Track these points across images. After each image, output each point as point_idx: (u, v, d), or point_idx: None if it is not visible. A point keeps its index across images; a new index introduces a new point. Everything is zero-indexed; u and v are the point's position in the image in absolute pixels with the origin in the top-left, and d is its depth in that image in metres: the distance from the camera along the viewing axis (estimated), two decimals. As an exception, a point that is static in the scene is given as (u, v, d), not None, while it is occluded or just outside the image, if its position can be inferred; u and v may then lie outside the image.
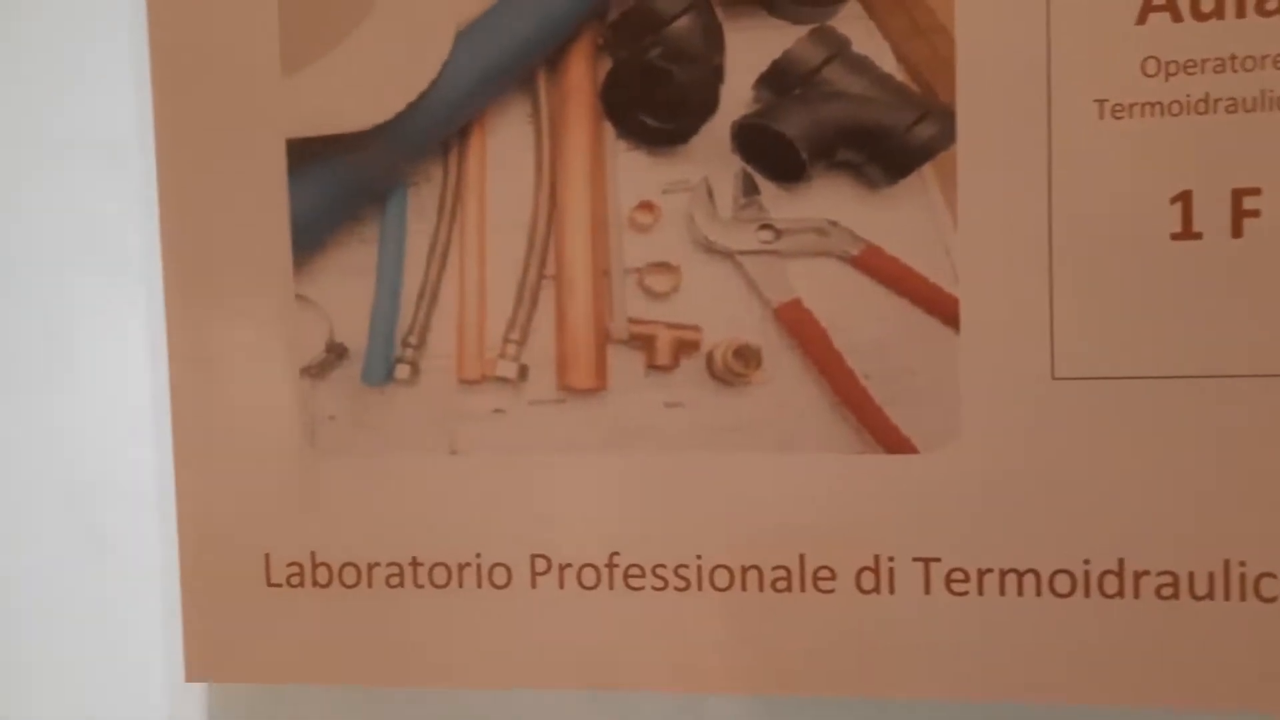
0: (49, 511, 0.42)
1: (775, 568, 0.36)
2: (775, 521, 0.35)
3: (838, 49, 0.34)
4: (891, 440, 0.35)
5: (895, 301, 0.34)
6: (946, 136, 0.34)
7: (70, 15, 0.41)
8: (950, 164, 0.34)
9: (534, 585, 0.37)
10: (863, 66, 0.34)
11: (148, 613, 0.41)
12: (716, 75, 0.35)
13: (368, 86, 0.37)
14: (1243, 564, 0.33)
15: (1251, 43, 0.32)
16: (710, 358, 0.35)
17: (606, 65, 0.36)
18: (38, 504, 0.42)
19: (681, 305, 0.36)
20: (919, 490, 0.35)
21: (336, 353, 0.37)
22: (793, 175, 0.35)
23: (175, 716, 0.41)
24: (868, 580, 0.35)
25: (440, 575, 0.37)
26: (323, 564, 0.38)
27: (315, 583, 0.38)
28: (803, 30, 0.34)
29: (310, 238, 0.37)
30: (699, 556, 0.36)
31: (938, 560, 0.35)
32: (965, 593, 0.35)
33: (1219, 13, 0.32)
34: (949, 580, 0.35)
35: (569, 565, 0.37)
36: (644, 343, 0.36)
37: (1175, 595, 0.34)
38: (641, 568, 0.36)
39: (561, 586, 0.37)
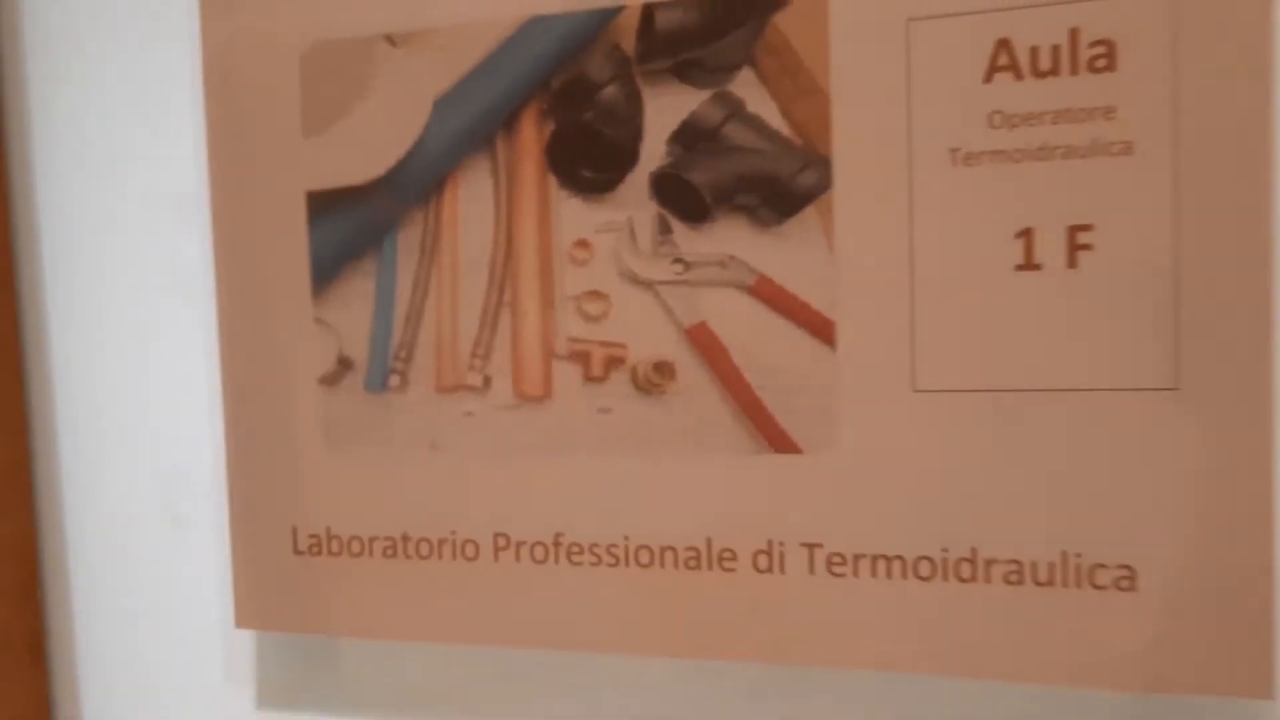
0: (139, 494, 0.52)
1: (687, 548, 0.42)
2: (688, 510, 0.42)
3: (735, 109, 0.40)
4: (781, 442, 0.41)
5: (784, 324, 0.40)
6: (824, 182, 0.40)
7: (145, 89, 0.51)
8: (829, 205, 0.40)
9: (496, 558, 0.44)
10: (755, 124, 0.40)
11: (211, 574, 0.51)
12: (637, 134, 0.42)
13: (367, 147, 0.45)
14: (1079, 555, 0.38)
15: (1084, 96, 0.37)
16: (634, 371, 0.42)
17: (551, 126, 0.43)
18: (130, 487, 0.52)
19: (611, 326, 0.42)
20: (804, 485, 0.40)
21: (345, 365, 0.46)
22: (699, 216, 0.41)
23: (230, 656, 0.51)
24: (763, 561, 0.41)
25: (424, 548, 0.45)
26: (335, 537, 0.47)
27: (330, 552, 0.47)
28: (706, 94, 0.41)
29: (325, 271, 0.46)
30: (626, 538, 0.43)
31: (820, 545, 0.40)
32: (843, 574, 0.40)
33: (1055, 70, 0.37)
34: (830, 563, 0.40)
35: (524, 542, 0.44)
36: (581, 358, 0.43)
37: (1020, 581, 0.38)
38: (581, 545, 0.43)
39: (518, 560, 0.44)
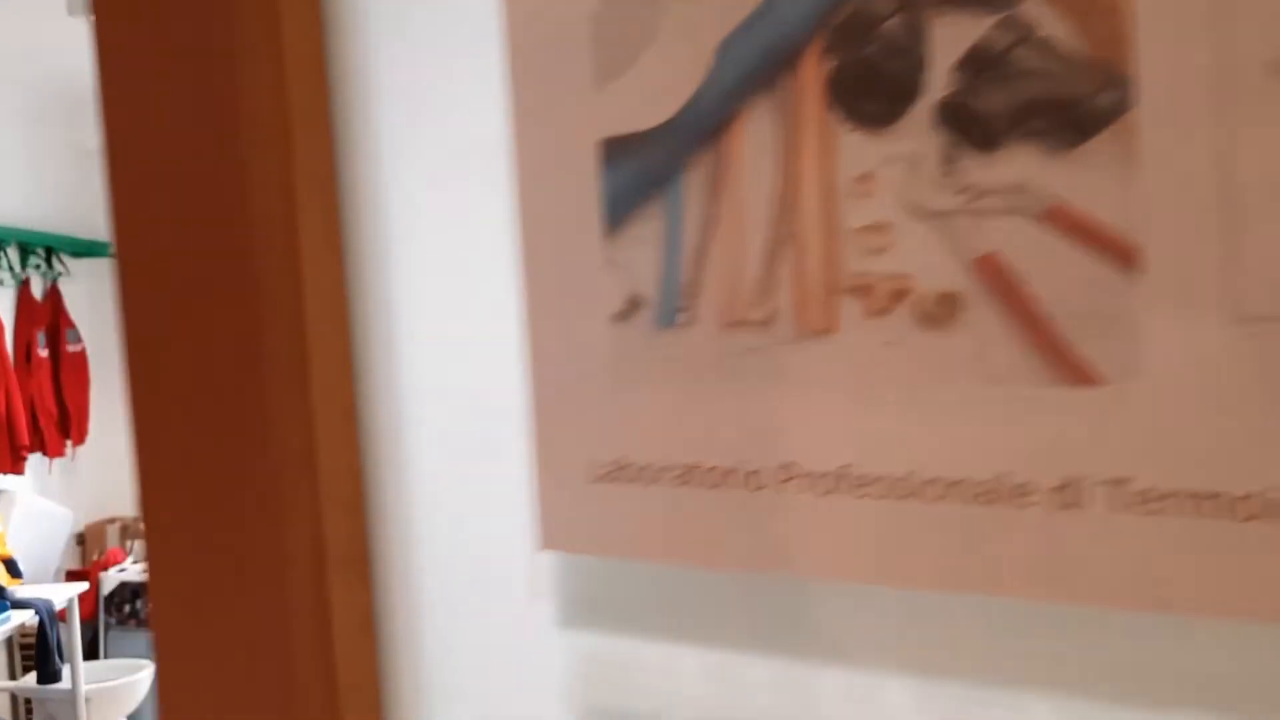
0: (455, 423, 0.57)
1: (979, 483, 0.42)
2: (979, 444, 0.42)
3: (1024, 33, 0.39)
4: (1078, 374, 0.40)
5: (1080, 251, 0.39)
6: (1125, 102, 0.38)
7: (456, 51, 0.54)
8: (1131, 127, 0.38)
9: (783, 488, 0.46)
10: (1046, 47, 0.39)
11: (516, 498, 0.55)
12: (921, 65, 0.41)
13: (655, 93, 0.47)
14: None
15: None
16: (920, 303, 0.42)
17: (832, 62, 0.43)
18: (447, 417, 0.57)
19: (896, 259, 0.43)
20: (1107, 419, 0.39)
21: (635, 304, 0.48)
22: (987, 145, 0.40)
23: (532, 578, 0.55)
24: (1061, 497, 0.40)
25: (713, 477, 0.47)
26: (627, 466, 0.49)
27: (623, 480, 0.49)
28: (992, 19, 0.40)
29: (615, 215, 0.48)
30: (914, 471, 0.43)
31: (1126, 481, 0.39)
32: (1152, 511, 0.39)
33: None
34: (1137, 499, 0.39)
35: (810, 474, 0.45)
36: (865, 292, 0.43)
37: (1348, 520, 0.36)
38: (868, 478, 0.44)
39: (804, 491, 0.45)
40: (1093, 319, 0.39)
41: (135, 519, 4.78)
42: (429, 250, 0.57)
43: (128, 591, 4.42)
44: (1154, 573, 0.39)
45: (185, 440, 0.58)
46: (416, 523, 0.59)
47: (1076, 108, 0.39)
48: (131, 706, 4.11)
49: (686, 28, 0.46)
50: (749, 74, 0.45)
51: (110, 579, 4.42)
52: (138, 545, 4.61)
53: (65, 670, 3.84)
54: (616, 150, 0.48)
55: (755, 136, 0.45)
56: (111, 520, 4.80)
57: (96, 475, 4.87)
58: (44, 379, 4.50)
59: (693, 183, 0.47)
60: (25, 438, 4.30)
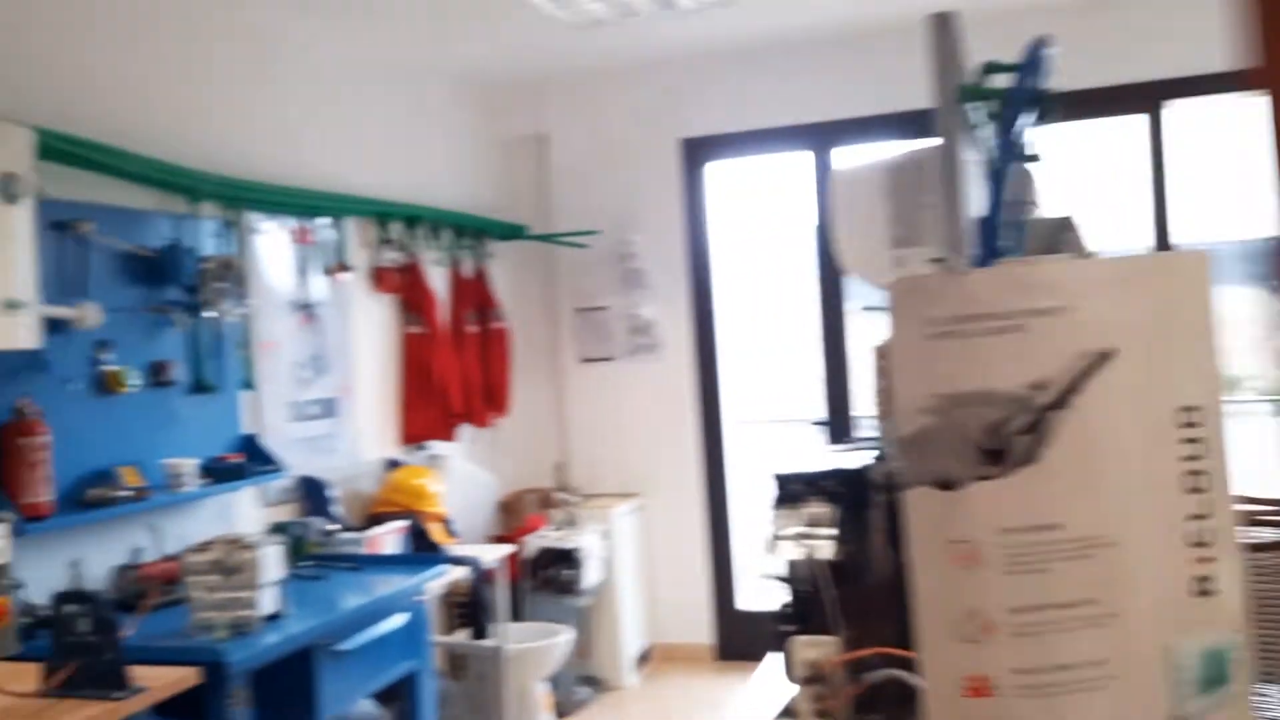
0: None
1: None
2: None
3: None
4: None
5: None
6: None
7: None
8: None
9: None
10: None
11: None
12: None
13: None
14: None
15: None
16: None
17: None
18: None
19: None
20: None
21: None
22: None
23: None
24: None
25: None
26: None
27: None
28: None
29: None
30: None
31: None
32: None
33: None
34: None
35: None
36: None
37: None
38: None
39: None
40: None
41: (552, 490, 4.96)
42: None
43: (549, 557, 4.56)
44: None
45: None
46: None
47: None
48: (550, 668, 4.22)
49: None
50: None
51: (532, 544, 4.58)
52: (557, 514, 4.76)
53: (491, 629, 4.01)
54: None
55: None
56: (530, 490, 5.00)
57: (515, 447, 5.10)
58: (472, 354, 4.75)
59: None
60: (458, 407, 4.55)
